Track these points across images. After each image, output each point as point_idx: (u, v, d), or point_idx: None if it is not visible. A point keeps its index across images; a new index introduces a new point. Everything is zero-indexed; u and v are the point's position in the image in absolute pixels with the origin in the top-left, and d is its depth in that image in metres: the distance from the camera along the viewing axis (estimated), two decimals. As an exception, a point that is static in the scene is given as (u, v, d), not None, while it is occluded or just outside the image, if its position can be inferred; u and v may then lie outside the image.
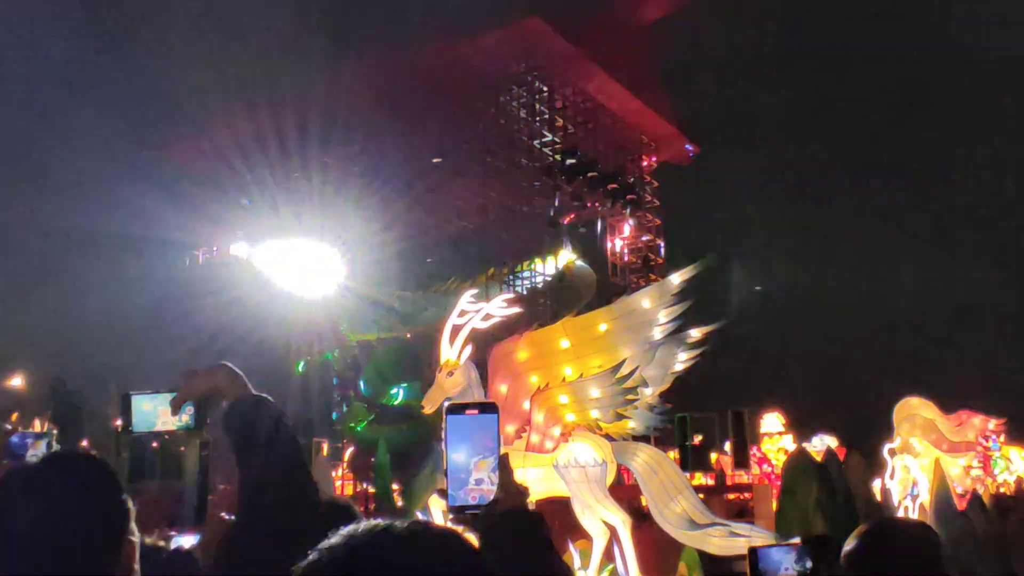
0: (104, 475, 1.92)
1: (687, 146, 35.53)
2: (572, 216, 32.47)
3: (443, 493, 2.00)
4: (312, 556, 1.19)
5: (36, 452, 3.34)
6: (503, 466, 1.99)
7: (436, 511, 10.53)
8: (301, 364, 25.88)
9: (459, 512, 1.98)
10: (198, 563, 4.31)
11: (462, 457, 1.98)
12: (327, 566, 1.17)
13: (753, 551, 2.77)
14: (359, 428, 26.06)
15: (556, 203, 30.22)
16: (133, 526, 1.91)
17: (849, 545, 2.39)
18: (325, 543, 1.20)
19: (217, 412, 2.18)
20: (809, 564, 2.69)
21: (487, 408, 2.03)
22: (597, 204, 32.24)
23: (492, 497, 1.96)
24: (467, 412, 2.01)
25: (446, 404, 2.00)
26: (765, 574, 2.74)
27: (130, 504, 1.93)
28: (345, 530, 1.21)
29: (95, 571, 1.77)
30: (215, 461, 22.04)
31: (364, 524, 1.22)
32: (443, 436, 2.00)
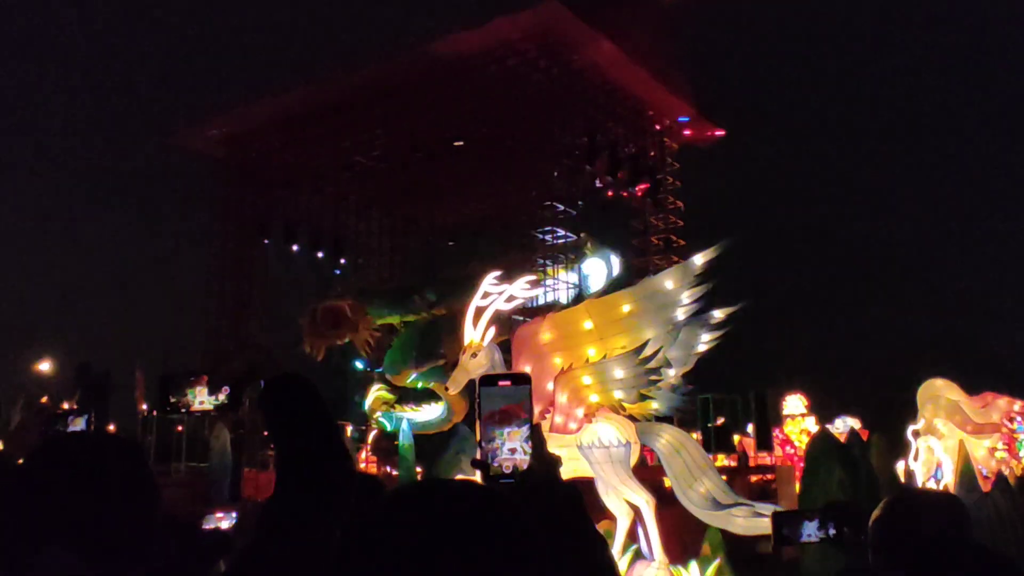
0: (127, 445, 2.05)
1: (708, 128, 35.30)
2: (592, 199, 32.39)
3: (477, 463, 2.03)
4: (375, 510, 1.23)
5: (75, 428, 3.44)
6: (536, 436, 2.02)
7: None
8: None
9: (493, 482, 2.02)
10: (232, 543, 4.37)
11: (495, 427, 2.01)
12: (395, 515, 1.20)
13: (777, 516, 2.78)
14: (382, 417, 26.18)
15: (576, 186, 30.14)
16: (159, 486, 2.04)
17: (876, 515, 2.40)
18: (385, 498, 1.24)
19: (254, 391, 2.22)
20: (833, 530, 2.70)
21: (520, 379, 2.06)
22: (619, 186, 32.12)
23: (526, 466, 1.99)
24: (500, 383, 2.05)
25: (479, 376, 2.04)
26: (789, 539, 2.76)
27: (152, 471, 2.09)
28: (399, 486, 1.25)
29: (137, 529, 1.88)
30: (246, 441, 22.29)
31: (417, 482, 1.26)
32: (477, 407, 2.03)
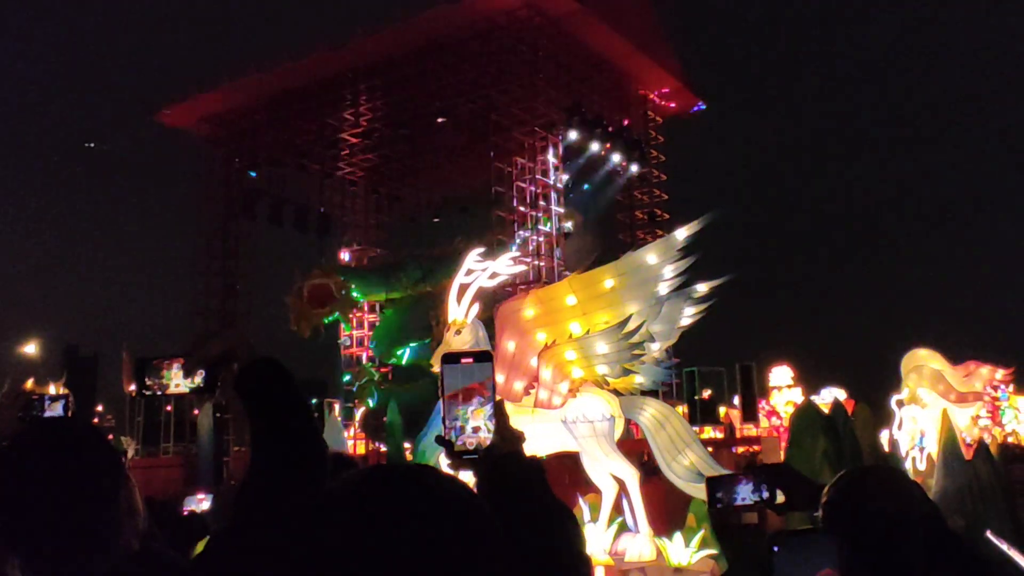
0: (86, 430, 2.08)
1: (692, 101, 35.25)
2: (577, 172, 32.35)
3: (441, 441, 2.05)
4: (318, 497, 1.26)
5: (52, 413, 3.44)
6: (499, 412, 2.04)
7: (446, 468, 10.66)
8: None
9: (457, 458, 2.04)
10: (208, 527, 4.41)
11: (459, 405, 2.04)
12: (332, 503, 1.23)
13: (711, 480, 2.82)
14: (369, 393, 26.24)
15: (561, 160, 30.08)
16: (127, 471, 2.06)
17: (827, 493, 2.42)
18: (329, 485, 1.27)
19: (229, 375, 2.23)
20: (766, 493, 2.75)
21: (482, 357, 2.07)
22: (602, 160, 32.09)
23: (489, 443, 2.01)
24: (462, 361, 2.06)
25: (441, 354, 2.04)
26: (722, 503, 2.80)
27: (119, 452, 2.11)
28: (347, 474, 1.28)
29: (98, 515, 1.91)
30: (230, 423, 22.31)
31: (366, 468, 1.29)
32: (440, 385, 2.04)
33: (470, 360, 2.06)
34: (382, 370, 28.41)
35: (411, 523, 1.18)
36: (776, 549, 1.82)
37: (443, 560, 1.17)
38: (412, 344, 25.39)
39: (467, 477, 1.93)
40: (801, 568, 1.86)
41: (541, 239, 27.88)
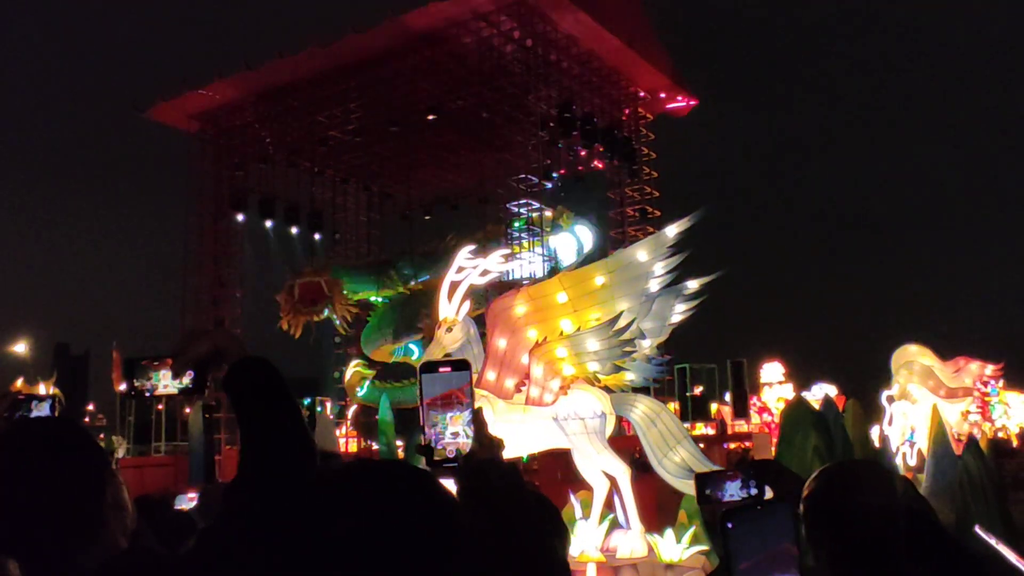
0: (70, 429, 2.09)
1: (684, 98, 35.22)
2: (567, 170, 32.33)
3: (421, 449, 2.08)
4: (301, 491, 1.27)
5: (39, 413, 3.41)
6: (477, 420, 2.08)
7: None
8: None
9: (437, 466, 2.08)
10: (196, 525, 4.41)
11: (438, 412, 2.08)
12: (315, 497, 1.25)
13: (700, 476, 2.84)
14: (360, 390, 26.22)
15: (552, 158, 30.06)
16: (113, 469, 2.07)
17: (807, 491, 2.43)
18: (312, 478, 1.28)
19: (218, 374, 2.24)
20: (754, 490, 2.76)
21: (460, 365, 2.13)
22: (593, 158, 32.08)
23: (468, 450, 2.05)
24: (440, 370, 2.11)
25: (420, 363, 2.08)
26: (712, 499, 2.81)
27: (103, 449, 2.13)
28: (331, 466, 1.29)
29: (84, 512, 1.92)
30: (221, 422, 22.30)
31: (348, 463, 1.30)
32: (419, 393, 2.08)
33: (448, 368, 2.11)
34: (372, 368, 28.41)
35: (390, 516, 1.20)
36: (730, 526, 1.80)
37: (417, 552, 1.19)
38: (412, 343, 25.35)
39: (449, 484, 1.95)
40: (757, 544, 1.84)
41: (532, 236, 27.83)
